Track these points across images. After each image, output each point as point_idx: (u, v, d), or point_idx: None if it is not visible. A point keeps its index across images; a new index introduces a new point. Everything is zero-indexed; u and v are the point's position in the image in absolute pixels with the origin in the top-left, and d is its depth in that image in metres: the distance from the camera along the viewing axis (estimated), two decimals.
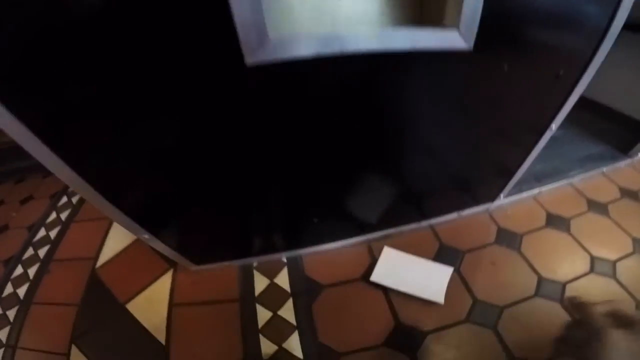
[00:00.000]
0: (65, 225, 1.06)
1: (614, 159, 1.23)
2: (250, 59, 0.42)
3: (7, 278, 0.93)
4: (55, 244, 1.01)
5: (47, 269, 0.93)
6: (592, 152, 1.25)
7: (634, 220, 1.03)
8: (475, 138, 0.75)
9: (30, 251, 1.00)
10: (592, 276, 0.88)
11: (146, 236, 0.66)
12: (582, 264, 0.91)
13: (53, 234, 1.04)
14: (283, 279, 0.86)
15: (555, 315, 0.80)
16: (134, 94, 0.44)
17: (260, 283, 0.85)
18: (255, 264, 0.89)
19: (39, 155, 0.44)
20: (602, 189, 1.15)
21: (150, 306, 0.82)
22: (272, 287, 0.84)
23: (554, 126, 0.74)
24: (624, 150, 1.26)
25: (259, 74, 0.44)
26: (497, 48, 0.54)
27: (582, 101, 0.70)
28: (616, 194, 1.14)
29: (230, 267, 0.87)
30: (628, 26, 0.79)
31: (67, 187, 1.19)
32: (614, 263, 0.91)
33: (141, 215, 0.62)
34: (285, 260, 0.91)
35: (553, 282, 0.87)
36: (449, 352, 0.73)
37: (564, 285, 0.86)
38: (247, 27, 0.39)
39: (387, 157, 0.71)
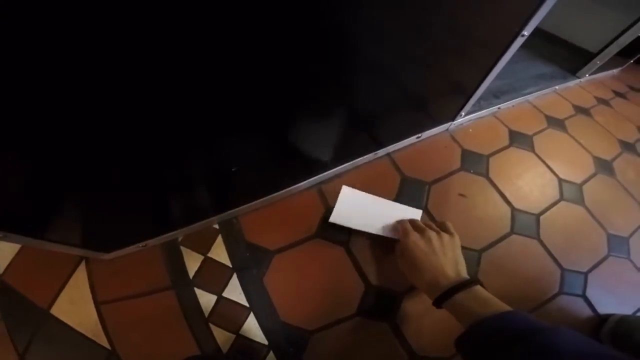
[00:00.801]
0: None
1: (564, 78, 1.32)
2: None
3: None
4: None
5: None
6: (543, 71, 1.31)
7: (589, 136, 1.11)
8: (441, 47, 0.61)
9: None
10: (562, 205, 0.88)
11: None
12: (552, 190, 0.91)
13: None
14: (219, 252, 0.68)
15: (533, 256, 0.77)
16: None
17: (193, 261, 0.68)
18: (180, 238, 0.70)
19: None
20: (557, 105, 1.21)
21: (76, 308, 0.66)
22: (209, 264, 0.67)
23: (526, 32, 0.67)
24: (572, 71, 1.38)
25: None
26: None
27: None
28: (570, 110, 1.20)
29: (151, 248, 0.69)
30: None
31: None
32: (580, 187, 0.94)
33: None
34: (217, 226, 0.71)
35: (527, 213, 0.84)
36: (430, 313, 0.63)
37: (538, 218, 0.84)
38: None
39: (331, 79, 0.51)
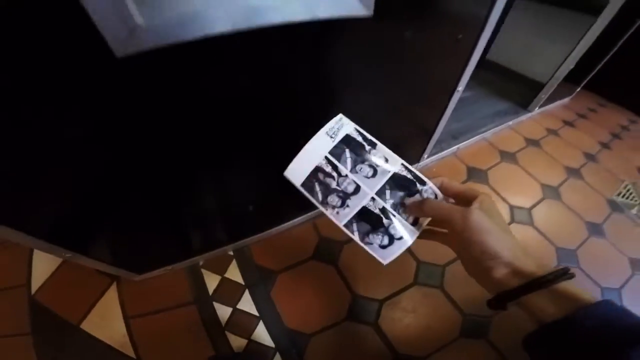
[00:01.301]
0: None
1: (517, 113, 1.45)
2: (121, 51, 0.33)
3: None
4: None
5: None
6: (498, 109, 1.44)
7: (538, 166, 1.25)
8: (393, 105, 0.76)
9: None
10: (513, 226, 1.03)
11: (68, 255, 0.58)
12: (504, 215, 1.04)
13: None
14: (234, 273, 0.83)
15: None
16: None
17: (212, 281, 0.82)
18: (201, 263, 0.84)
19: None
20: (510, 140, 1.36)
21: (106, 322, 0.77)
22: (225, 283, 0.82)
23: (460, 88, 0.79)
24: (524, 105, 1.51)
25: (132, 63, 0.35)
26: (397, 14, 0.53)
27: (485, 63, 0.86)
28: (522, 143, 1.35)
29: (176, 271, 0.83)
30: None
31: None
32: (529, 210, 1.08)
33: (56, 232, 0.54)
34: (231, 253, 0.86)
35: None
36: (407, 317, 0.78)
37: None
38: (106, 17, 0.31)
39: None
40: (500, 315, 0.80)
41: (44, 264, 0.86)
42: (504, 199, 1.10)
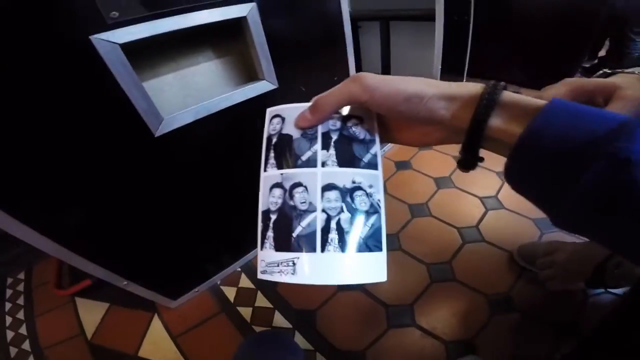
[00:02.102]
0: (30, 322, 1.09)
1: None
2: (156, 133, 0.66)
3: None
4: (33, 338, 1.04)
5: (44, 356, 0.98)
6: None
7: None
8: None
9: (13, 349, 1.02)
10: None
11: (125, 283, 0.81)
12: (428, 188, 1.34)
13: (23, 331, 1.07)
14: (246, 282, 1.07)
15: (436, 227, 1.15)
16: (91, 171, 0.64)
17: (230, 292, 1.04)
18: (218, 282, 1.08)
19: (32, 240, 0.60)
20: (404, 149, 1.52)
21: (158, 346, 0.94)
22: (241, 291, 1.05)
23: None
24: None
25: (164, 138, 0.67)
26: (291, 80, 0.84)
27: None
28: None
29: (201, 293, 1.05)
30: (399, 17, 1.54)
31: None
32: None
33: (119, 268, 0.78)
34: (239, 269, 1.11)
35: (421, 204, 1.25)
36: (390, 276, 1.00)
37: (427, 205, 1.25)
38: (148, 115, 0.63)
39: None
40: (458, 258, 1.00)
41: (91, 315, 1.06)
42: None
